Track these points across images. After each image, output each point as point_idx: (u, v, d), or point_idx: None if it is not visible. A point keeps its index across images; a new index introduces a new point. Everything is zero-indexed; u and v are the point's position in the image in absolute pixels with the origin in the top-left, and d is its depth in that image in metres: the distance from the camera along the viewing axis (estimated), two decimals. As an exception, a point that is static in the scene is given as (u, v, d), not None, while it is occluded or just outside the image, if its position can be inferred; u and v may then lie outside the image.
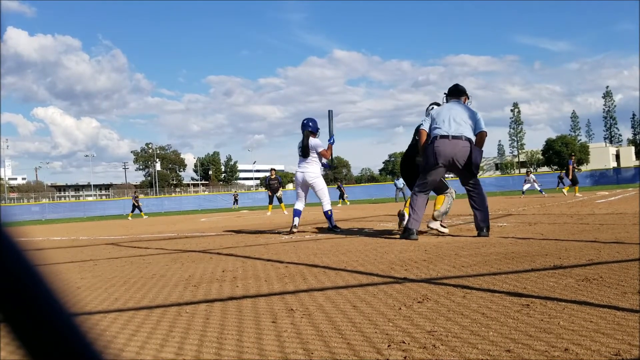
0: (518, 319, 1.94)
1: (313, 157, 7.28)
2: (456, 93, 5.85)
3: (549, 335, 1.72)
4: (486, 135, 5.57)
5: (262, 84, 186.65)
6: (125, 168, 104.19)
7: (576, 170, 19.59)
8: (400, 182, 32.08)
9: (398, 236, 5.73)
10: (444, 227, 5.77)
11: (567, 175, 19.66)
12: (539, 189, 21.59)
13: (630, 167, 52.77)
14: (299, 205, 7.39)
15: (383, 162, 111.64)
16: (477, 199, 5.51)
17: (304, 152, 7.29)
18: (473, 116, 5.57)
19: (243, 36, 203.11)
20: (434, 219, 5.70)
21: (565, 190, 19.89)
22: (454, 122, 5.45)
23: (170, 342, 1.92)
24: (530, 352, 1.57)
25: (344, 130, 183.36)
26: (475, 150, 5.42)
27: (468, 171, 5.48)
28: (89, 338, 0.38)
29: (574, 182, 18.93)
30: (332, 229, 7.10)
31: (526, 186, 21.83)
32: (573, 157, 19.62)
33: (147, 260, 4.85)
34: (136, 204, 27.04)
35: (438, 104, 6.10)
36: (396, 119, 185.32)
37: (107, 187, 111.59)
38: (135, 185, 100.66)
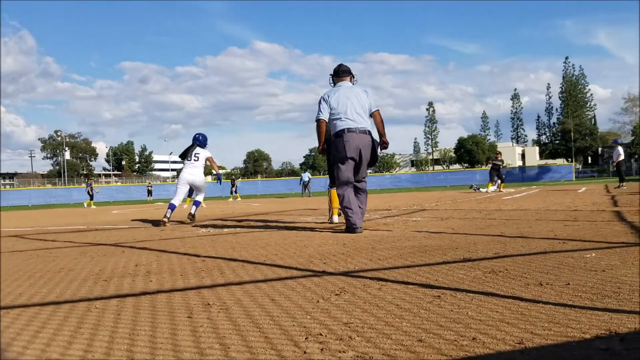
0: (430, 310, 2.01)
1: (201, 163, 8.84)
2: (343, 74, 5.81)
3: (458, 325, 1.80)
4: (380, 113, 5.64)
5: (180, 72, 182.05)
6: (31, 156, 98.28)
7: (502, 167, 20.75)
8: (307, 175, 32.71)
9: (318, 230, 5.79)
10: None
11: (490, 172, 20.77)
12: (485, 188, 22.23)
13: (534, 165, 56.38)
14: (177, 201, 8.61)
15: (304, 157, 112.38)
16: (363, 197, 5.67)
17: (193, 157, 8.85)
18: (367, 99, 5.59)
19: (161, 22, 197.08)
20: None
21: (501, 186, 21.08)
22: (356, 113, 5.48)
23: (79, 339, 1.83)
24: (440, 342, 1.63)
25: (265, 123, 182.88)
26: (376, 145, 5.59)
27: (369, 166, 5.63)
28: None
29: (500, 178, 20.25)
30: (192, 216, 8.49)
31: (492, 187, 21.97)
32: (499, 155, 20.84)
33: (54, 254, 4.60)
34: (90, 192, 27.02)
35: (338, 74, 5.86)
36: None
37: (11, 176, 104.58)
38: (42, 175, 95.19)
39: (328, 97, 5.60)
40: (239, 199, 29.34)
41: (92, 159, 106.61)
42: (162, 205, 22.46)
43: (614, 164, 18.02)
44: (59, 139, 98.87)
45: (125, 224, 8.78)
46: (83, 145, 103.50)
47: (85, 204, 27.24)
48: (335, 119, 5.52)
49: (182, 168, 8.87)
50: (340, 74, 5.82)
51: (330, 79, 5.90)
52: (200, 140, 8.87)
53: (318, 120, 5.58)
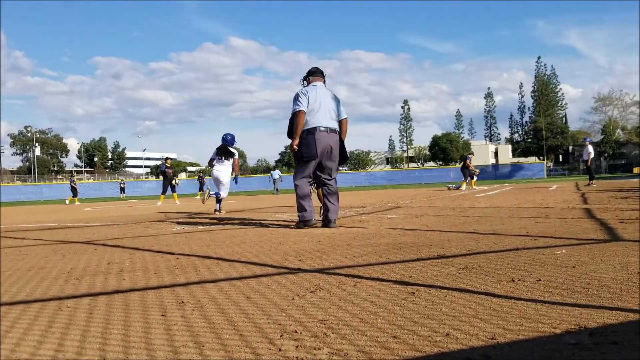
0: (404, 306, 2.03)
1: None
2: (318, 74, 6.02)
3: (432, 321, 1.82)
4: (347, 122, 5.93)
5: (154, 68, 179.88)
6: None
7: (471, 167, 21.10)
8: (277, 173, 33.11)
9: (293, 227, 5.78)
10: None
11: (462, 170, 21.09)
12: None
13: (507, 163, 57.20)
14: (214, 190, 10.33)
15: (279, 154, 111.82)
16: (334, 195, 5.82)
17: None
18: (338, 105, 5.84)
19: (133, 17, 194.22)
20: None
21: (473, 183, 21.41)
22: (329, 114, 5.70)
23: (50, 339, 1.80)
24: (415, 338, 1.64)
25: (240, 120, 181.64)
26: (344, 144, 5.85)
27: (339, 164, 5.87)
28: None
29: (471, 176, 20.62)
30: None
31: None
32: (471, 155, 21.24)
33: (23, 252, 4.50)
34: (75, 188, 26.86)
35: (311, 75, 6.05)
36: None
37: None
38: (11, 172, 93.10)
39: (307, 92, 5.70)
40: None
41: (64, 155, 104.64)
42: (135, 203, 22.17)
43: (587, 162, 18.36)
44: (28, 134, 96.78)
45: (98, 222, 8.64)
46: (54, 141, 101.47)
47: (67, 201, 26.74)
48: (309, 116, 5.64)
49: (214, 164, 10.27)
50: (317, 74, 6.00)
51: (303, 80, 6.07)
52: (228, 140, 10.17)
53: (298, 112, 5.62)
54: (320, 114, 5.63)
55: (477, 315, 1.87)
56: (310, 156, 5.61)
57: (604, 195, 10.51)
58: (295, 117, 5.66)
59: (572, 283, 2.31)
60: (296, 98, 5.71)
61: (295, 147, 5.67)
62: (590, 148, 18.19)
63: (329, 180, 5.81)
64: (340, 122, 5.85)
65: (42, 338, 1.81)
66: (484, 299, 2.09)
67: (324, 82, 6.04)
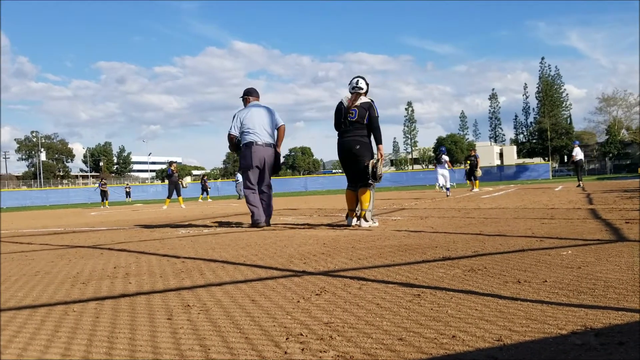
0: (410, 309, 2.03)
1: None
2: (254, 94, 6.95)
3: (438, 323, 1.82)
4: (285, 127, 6.80)
5: (158, 72, 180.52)
6: (5, 158, 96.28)
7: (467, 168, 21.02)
8: (240, 176, 33.25)
9: (299, 229, 5.79)
10: (374, 221, 5.93)
11: (470, 171, 20.96)
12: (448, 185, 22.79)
13: (512, 164, 57.07)
14: None
15: (283, 157, 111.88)
16: (269, 200, 6.71)
17: None
18: (273, 117, 6.73)
19: (136, 22, 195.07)
20: (365, 219, 5.79)
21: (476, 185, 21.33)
22: (263, 129, 6.60)
23: (56, 343, 1.81)
24: (420, 340, 1.64)
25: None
26: (279, 156, 6.80)
27: (273, 173, 6.77)
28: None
29: (475, 177, 20.46)
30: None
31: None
32: (478, 160, 21.08)
33: (30, 257, 4.52)
34: (103, 191, 27.43)
35: None
36: (297, 114, 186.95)
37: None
38: (17, 177, 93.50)
39: (240, 114, 6.69)
40: (209, 199, 29.58)
41: (69, 160, 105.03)
42: (140, 207, 22.25)
43: (575, 162, 19.32)
44: (34, 139, 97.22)
45: (104, 226, 8.67)
46: (59, 146, 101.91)
47: (102, 205, 27.46)
48: (245, 133, 6.60)
49: None
50: (253, 94, 6.95)
51: (243, 98, 6.95)
52: None
53: (229, 135, 6.69)
54: (255, 130, 6.56)
55: (483, 317, 1.87)
56: (248, 166, 6.53)
57: (609, 195, 10.47)
58: (228, 140, 6.75)
59: (578, 284, 2.31)
60: (232, 120, 6.74)
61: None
62: (578, 150, 19.10)
63: (264, 187, 6.67)
64: (277, 129, 6.75)
65: (48, 342, 1.82)
66: (490, 301, 2.09)
67: (258, 97, 6.98)
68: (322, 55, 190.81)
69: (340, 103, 5.94)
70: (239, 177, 33.88)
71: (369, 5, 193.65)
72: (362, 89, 5.91)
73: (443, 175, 17.25)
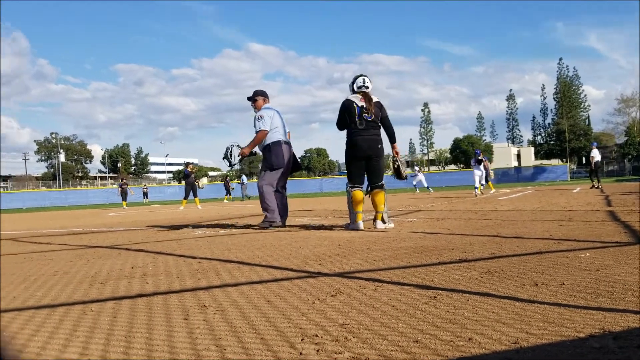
0: (426, 311, 2.02)
1: None
2: (267, 96, 7.01)
3: (454, 325, 1.81)
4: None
5: (175, 74, 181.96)
6: (25, 159, 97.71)
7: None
8: (245, 178, 34.23)
9: (315, 230, 5.79)
10: (390, 222, 5.89)
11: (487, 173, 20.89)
12: (426, 185, 25.09)
13: (529, 166, 56.56)
14: None
15: (299, 158, 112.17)
16: (285, 200, 6.74)
17: None
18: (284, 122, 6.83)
19: (152, 25, 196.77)
20: (384, 220, 5.74)
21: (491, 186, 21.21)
22: (284, 130, 6.76)
23: (75, 342, 1.83)
24: (436, 342, 1.64)
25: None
26: (296, 157, 6.97)
27: (291, 173, 6.92)
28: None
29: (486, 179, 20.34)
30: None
31: (415, 181, 25.00)
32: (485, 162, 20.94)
33: (48, 257, 4.59)
34: (124, 192, 27.80)
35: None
36: (313, 115, 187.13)
37: (5, 178, 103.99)
38: (36, 178, 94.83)
39: (269, 112, 6.69)
40: (232, 200, 29.83)
41: (88, 161, 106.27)
42: (157, 208, 22.44)
43: (591, 165, 19.17)
44: (54, 141, 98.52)
45: (121, 226, 8.76)
46: (78, 147, 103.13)
47: (124, 205, 27.94)
48: (273, 131, 6.65)
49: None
50: (266, 96, 7.01)
51: (252, 100, 7.00)
52: None
53: (263, 131, 6.62)
54: (282, 131, 6.72)
55: (500, 319, 1.85)
56: (280, 165, 6.60)
57: (628, 197, 10.33)
58: (260, 136, 6.65)
59: (596, 287, 2.28)
60: (260, 118, 6.67)
61: (247, 155, 6.82)
62: (596, 152, 18.97)
63: (283, 188, 6.76)
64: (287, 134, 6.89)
65: (67, 342, 1.85)
66: (506, 303, 2.07)
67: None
68: (338, 57, 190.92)
69: (350, 102, 5.72)
70: (244, 178, 34.43)
71: (384, 6, 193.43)
72: (369, 87, 5.86)
73: (478, 175, 17.78)
